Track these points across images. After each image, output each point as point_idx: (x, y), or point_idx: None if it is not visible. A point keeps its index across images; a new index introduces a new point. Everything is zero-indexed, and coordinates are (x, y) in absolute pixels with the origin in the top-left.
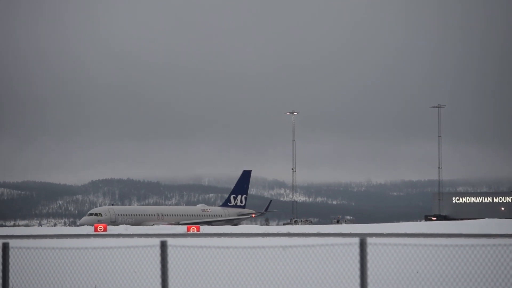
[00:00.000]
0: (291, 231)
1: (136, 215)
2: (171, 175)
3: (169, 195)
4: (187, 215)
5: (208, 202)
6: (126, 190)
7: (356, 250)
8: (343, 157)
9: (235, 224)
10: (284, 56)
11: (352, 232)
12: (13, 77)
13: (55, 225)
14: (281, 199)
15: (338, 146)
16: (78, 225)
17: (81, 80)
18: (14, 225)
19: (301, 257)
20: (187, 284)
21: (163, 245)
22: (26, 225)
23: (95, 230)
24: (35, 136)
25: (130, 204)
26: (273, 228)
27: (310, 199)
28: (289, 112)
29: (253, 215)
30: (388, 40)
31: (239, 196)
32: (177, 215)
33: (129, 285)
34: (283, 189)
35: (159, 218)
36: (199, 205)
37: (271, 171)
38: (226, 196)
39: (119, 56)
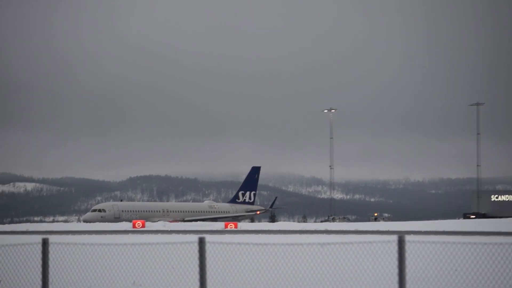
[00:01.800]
0: (329, 228)
1: (141, 211)
2: (208, 172)
3: (206, 192)
4: (193, 212)
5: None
6: (164, 187)
7: (394, 247)
8: (381, 155)
9: (239, 221)
10: (322, 53)
11: (390, 229)
12: (51, 74)
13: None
14: (319, 196)
15: (376, 144)
16: (83, 221)
17: (121, 78)
18: (53, 221)
19: (338, 254)
20: (225, 280)
21: (201, 242)
22: (65, 221)
23: (133, 226)
24: (75, 133)
25: (168, 201)
26: (310, 225)
27: (348, 197)
28: (327, 109)
29: (258, 212)
30: (426, 38)
31: (248, 193)
32: (183, 211)
33: (167, 281)
34: (320, 186)
35: (165, 214)
36: (206, 201)
37: (309, 169)
38: (263, 193)
39: (158, 56)
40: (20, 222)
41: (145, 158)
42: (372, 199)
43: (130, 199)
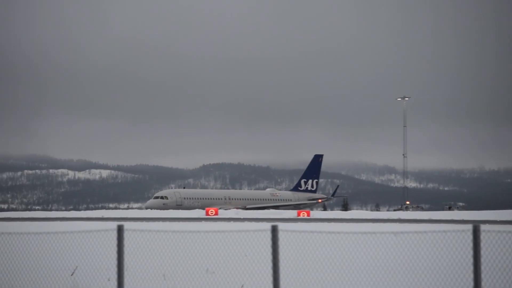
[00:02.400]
0: (402, 217)
1: (203, 198)
2: (281, 160)
3: (279, 180)
4: (255, 199)
5: (318, 187)
6: (236, 175)
7: (469, 237)
8: (455, 143)
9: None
10: (395, 41)
11: (465, 218)
12: (124, 62)
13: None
14: (392, 185)
15: (450, 132)
16: (145, 208)
17: (194, 65)
18: (127, 208)
19: (412, 243)
20: (298, 268)
21: (274, 230)
22: (139, 208)
23: (206, 214)
24: (149, 121)
25: (240, 189)
26: (383, 214)
27: (421, 185)
28: (400, 98)
29: (320, 200)
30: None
31: (310, 181)
32: (245, 199)
33: (240, 269)
34: (393, 175)
35: (226, 202)
36: (268, 189)
37: (382, 157)
38: (336, 181)
39: (232, 46)
40: (95, 208)
41: (218, 146)
42: (446, 188)
43: (203, 187)
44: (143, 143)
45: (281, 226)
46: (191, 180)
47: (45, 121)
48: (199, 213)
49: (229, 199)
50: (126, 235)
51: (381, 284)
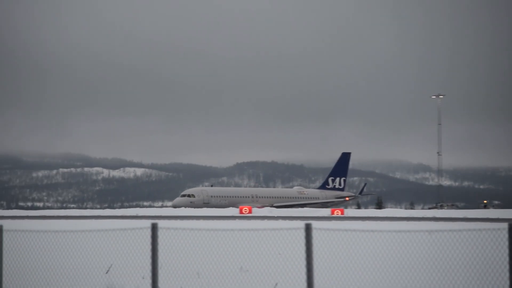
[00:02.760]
0: (437, 216)
1: (230, 196)
2: (314, 158)
3: (313, 178)
4: (282, 197)
5: (352, 186)
6: (270, 173)
7: (505, 235)
8: (490, 141)
9: (328, 207)
10: (430, 38)
11: (500, 217)
12: (157, 61)
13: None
14: (426, 183)
15: (486, 129)
16: (172, 206)
17: (225, 65)
18: (161, 206)
19: (447, 241)
20: (332, 266)
21: (308, 228)
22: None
23: (240, 212)
24: (182, 119)
25: (274, 187)
26: (418, 212)
27: (456, 183)
28: (435, 95)
29: (347, 198)
30: None
31: (338, 179)
32: (272, 197)
33: (274, 267)
34: (428, 173)
35: (254, 200)
36: (295, 187)
37: (416, 155)
38: (370, 179)
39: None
40: (130, 207)
41: (251, 144)
42: (481, 186)
43: (237, 185)
44: (177, 141)
45: (315, 224)
46: (224, 178)
47: (80, 120)
48: (233, 211)
49: (256, 197)
50: (160, 233)
51: (415, 282)
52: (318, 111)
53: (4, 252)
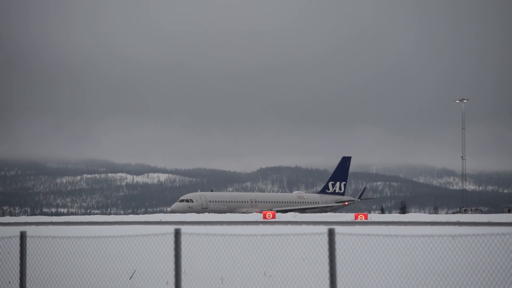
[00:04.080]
0: (461, 220)
1: (229, 201)
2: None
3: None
4: (282, 202)
5: (375, 190)
6: (293, 178)
7: None
8: None
9: (327, 212)
10: (453, 42)
11: None
12: (175, 68)
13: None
14: (450, 187)
15: (510, 133)
16: (170, 211)
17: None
18: (244, 212)
19: (470, 246)
20: (355, 271)
21: (331, 233)
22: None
23: (264, 217)
24: (206, 125)
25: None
26: (442, 217)
27: (480, 188)
28: (458, 100)
29: (346, 203)
30: None
31: (338, 183)
32: (271, 201)
33: (298, 272)
34: (452, 177)
35: (253, 205)
36: (295, 192)
37: (440, 160)
38: (394, 184)
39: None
40: (153, 212)
41: (275, 149)
42: (506, 191)
43: (261, 190)
44: (200, 146)
45: (338, 229)
46: (248, 184)
47: (104, 126)
48: (256, 216)
49: (256, 202)
50: (183, 238)
51: (439, 287)
52: (340, 116)
53: (28, 258)
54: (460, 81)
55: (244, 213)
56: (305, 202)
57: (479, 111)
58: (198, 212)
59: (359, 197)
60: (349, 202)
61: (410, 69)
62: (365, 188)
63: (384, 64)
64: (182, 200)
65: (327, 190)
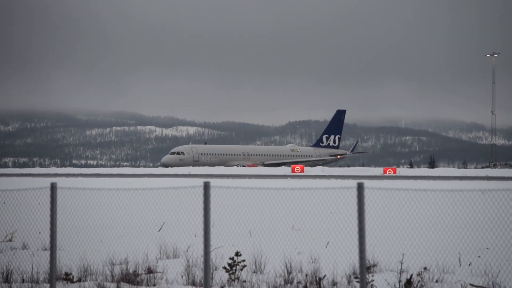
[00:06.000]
0: (490, 175)
1: (221, 154)
2: (366, 117)
3: (365, 137)
4: (274, 155)
5: (404, 145)
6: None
7: None
8: None
9: (321, 165)
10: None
11: None
12: (210, 21)
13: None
14: (480, 142)
15: None
16: (160, 164)
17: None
18: (235, 165)
19: (500, 200)
20: (384, 224)
21: (360, 187)
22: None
23: (292, 171)
24: (235, 78)
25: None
26: (471, 171)
27: (510, 142)
28: (489, 54)
29: (338, 157)
30: None
31: (332, 136)
32: (264, 154)
33: (326, 226)
34: (481, 132)
35: (245, 158)
36: (288, 145)
37: (469, 114)
38: (423, 138)
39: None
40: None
41: (304, 103)
42: None
43: (289, 143)
44: (229, 100)
45: (367, 183)
46: (277, 137)
47: (134, 79)
48: (285, 170)
49: (248, 155)
50: (212, 191)
51: (469, 241)
52: (369, 70)
53: (58, 209)
54: (491, 34)
55: (236, 166)
56: (299, 155)
57: (510, 65)
58: (189, 164)
59: (352, 151)
60: (342, 156)
61: (441, 23)
62: (357, 141)
63: (415, 18)
64: (173, 153)
65: (321, 144)
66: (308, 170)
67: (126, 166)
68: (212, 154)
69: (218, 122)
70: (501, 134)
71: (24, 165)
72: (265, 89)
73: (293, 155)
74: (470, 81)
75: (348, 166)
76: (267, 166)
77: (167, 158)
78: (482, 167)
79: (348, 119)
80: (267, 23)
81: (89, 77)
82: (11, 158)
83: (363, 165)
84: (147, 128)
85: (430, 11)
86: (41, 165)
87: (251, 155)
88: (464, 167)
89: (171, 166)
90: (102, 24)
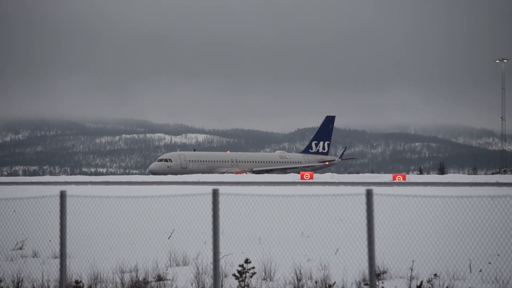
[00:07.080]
0: (500, 181)
1: (209, 161)
2: (375, 123)
3: (374, 144)
4: (263, 162)
5: (414, 151)
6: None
7: None
8: None
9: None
10: (494, 1)
11: None
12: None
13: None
14: (490, 148)
15: None
16: (148, 171)
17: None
18: (224, 172)
19: (510, 207)
20: (394, 231)
21: (369, 194)
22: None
23: (302, 178)
24: (244, 86)
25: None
26: (481, 178)
27: None
28: (498, 60)
29: (327, 163)
30: None
31: (321, 143)
32: (252, 161)
33: (335, 233)
34: (491, 138)
35: (233, 165)
36: (277, 152)
37: (479, 120)
38: (433, 145)
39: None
40: (191, 172)
41: (312, 109)
42: None
43: (298, 151)
44: (238, 107)
45: (376, 190)
46: (286, 144)
47: (142, 86)
48: (294, 177)
49: (236, 161)
50: (221, 199)
51: (478, 248)
52: (378, 76)
53: (67, 217)
54: (500, 40)
55: (224, 173)
56: (287, 162)
57: None
58: (177, 172)
59: (340, 157)
60: (330, 162)
61: (449, 29)
62: (345, 148)
63: (423, 23)
64: (161, 160)
65: (310, 150)
66: (317, 177)
67: (135, 173)
68: (200, 161)
69: (227, 129)
70: (511, 140)
71: (34, 173)
72: (274, 95)
73: (282, 162)
74: (479, 86)
75: (358, 173)
76: (256, 173)
77: (154, 165)
78: (492, 173)
79: (356, 125)
80: (276, 30)
81: (98, 85)
82: (22, 166)
83: (372, 172)
84: (156, 136)
85: (440, 17)
86: (51, 173)
87: (239, 161)
88: (474, 173)
89: (159, 173)
90: (112, 32)
